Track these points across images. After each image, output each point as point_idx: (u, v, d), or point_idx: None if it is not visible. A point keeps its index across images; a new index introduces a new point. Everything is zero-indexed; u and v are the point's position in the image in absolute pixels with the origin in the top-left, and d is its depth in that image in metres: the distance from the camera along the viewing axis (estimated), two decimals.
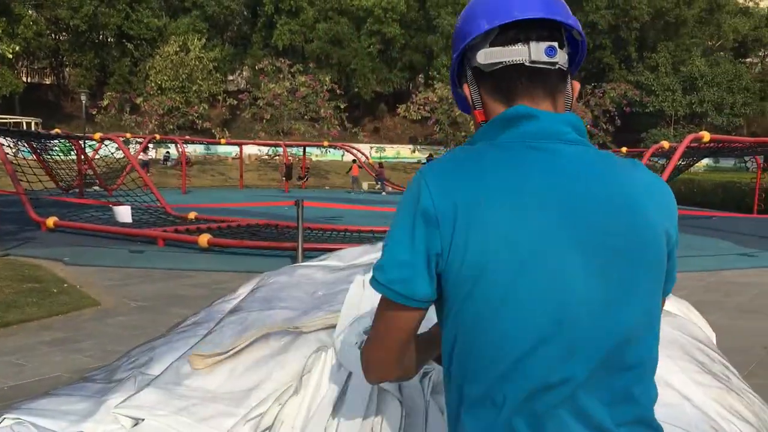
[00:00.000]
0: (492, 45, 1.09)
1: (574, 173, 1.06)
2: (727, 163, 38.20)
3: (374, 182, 32.03)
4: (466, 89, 1.15)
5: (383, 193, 29.70)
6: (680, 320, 2.37)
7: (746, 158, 22.54)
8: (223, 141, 31.65)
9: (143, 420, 1.94)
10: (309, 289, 2.40)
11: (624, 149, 25.45)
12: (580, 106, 37.04)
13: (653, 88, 44.61)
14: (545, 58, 1.08)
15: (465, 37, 1.12)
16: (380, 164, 33.72)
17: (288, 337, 2.08)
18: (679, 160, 13.09)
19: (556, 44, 1.08)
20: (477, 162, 1.05)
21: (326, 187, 33.59)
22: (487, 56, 1.09)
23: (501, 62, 1.08)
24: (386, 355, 1.12)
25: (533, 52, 1.07)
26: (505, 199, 1.01)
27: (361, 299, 1.99)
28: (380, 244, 3.04)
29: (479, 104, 1.14)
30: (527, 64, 1.07)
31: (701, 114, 44.39)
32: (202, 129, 38.96)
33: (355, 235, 12.12)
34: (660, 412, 1.12)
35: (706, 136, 12.93)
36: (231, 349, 2.00)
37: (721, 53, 48.75)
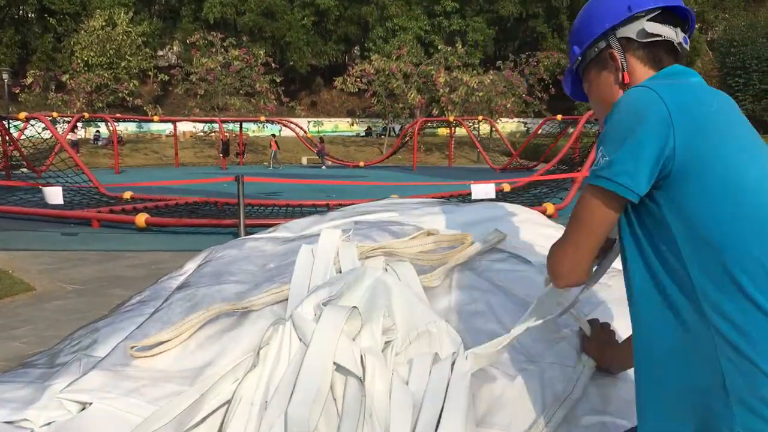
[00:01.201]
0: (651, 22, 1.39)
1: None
2: None
3: (316, 156, 31.74)
4: (615, 55, 1.41)
5: (323, 168, 29.49)
6: None
7: None
8: (155, 118, 30.67)
9: (90, 404, 1.84)
10: (259, 262, 2.32)
11: (559, 116, 25.92)
12: (514, 75, 37.43)
13: None
14: (683, 43, 1.42)
15: (620, 12, 1.41)
16: (321, 139, 33.44)
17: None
18: None
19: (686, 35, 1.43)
20: (675, 87, 1.28)
21: (265, 163, 33.09)
22: (651, 28, 1.38)
23: (659, 36, 1.38)
24: (586, 255, 1.33)
25: (678, 36, 1.40)
26: (704, 108, 1.25)
27: (312, 269, 1.94)
28: (330, 215, 3.00)
29: (625, 67, 1.41)
30: (675, 43, 1.40)
31: None
32: (133, 106, 37.74)
33: (297, 209, 11.98)
34: None
35: None
36: (178, 335, 1.91)
37: None
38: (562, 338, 1.95)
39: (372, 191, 13.92)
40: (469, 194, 9.78)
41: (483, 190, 9.52)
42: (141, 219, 10.16)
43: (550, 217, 11.21)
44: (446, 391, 1.67)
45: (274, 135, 32.32)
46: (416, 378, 1.71)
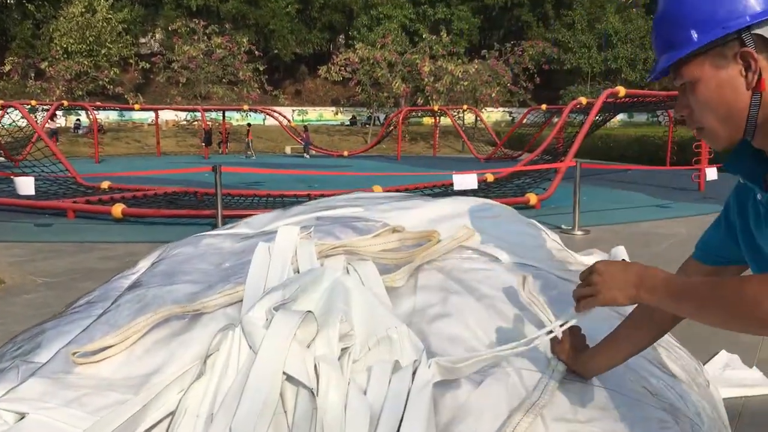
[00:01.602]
0: None
1: None
2: (641, 118, 39.54)
3: (299, 146, 31.48)
4: (753, 55, 1.20)
5: (307, 156, 29.27)
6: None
7: (659, 112, 23.28)
8: (137, 106, 30.21)
9: (28, 414, 1.72)
10: (215, 260, 2.20)
11: (544, 106, 25.87)
12: (500, 64, 37.30)
13: (570, 45, 45.41)
14: None
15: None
16: (305, 128, 33.18)
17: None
18: (596, 116, 13.30)
19: None
20: None
21: (242, 154, 32.81)
22: None
23: None
24: None
25: None
26: None
27: (268, 269, 1.82)
28: (292, 210, 2.88)
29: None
30: None
31: (616, 70, 45.56)
32: (114, 95, 37.27)
33: (278, 199, 11.82)
34: None
35: (621, 91, 13.17)
36: (123, 340, 1.78)
37: (634, 10, 49.94)
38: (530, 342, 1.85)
39: (355, 181, 13.81)
40: (452, 184, 9.68)
41: (465, 180, 9.42)
42: (117, 210, 9.98)
43: (533, 207, 11.18)
44: (406, 401, 1.56)
45: (249, 124, 32.07)
46: (375, 387, 1.60)
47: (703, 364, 3.36)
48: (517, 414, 1.67)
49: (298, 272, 1.95)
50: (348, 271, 1.95)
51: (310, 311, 1.65)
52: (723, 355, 4.22)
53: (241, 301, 1.93)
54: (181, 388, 1.67)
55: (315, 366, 1.57)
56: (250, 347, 1.61)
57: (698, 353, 3.43)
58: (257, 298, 1.79)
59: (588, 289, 1.44)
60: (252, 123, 33.52)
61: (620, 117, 36.35)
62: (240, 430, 1.42)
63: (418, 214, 2.41)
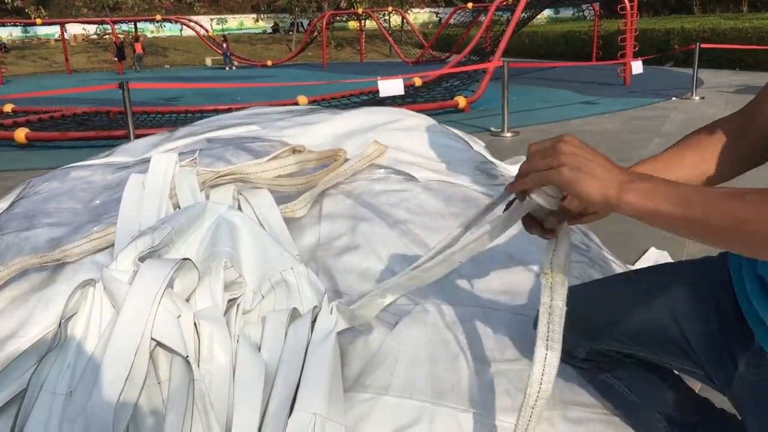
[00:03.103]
0: None
1: None
2: (567, 13, 39.27)
3: (220, 58, 30.00)
4: None
5: (227, 69, 27.99)
6: None
7: (584, 7, 23.04)
8: (38, 21, 27.94)
9: None
10: (85, 197, 1.87)
11: (470, 5, 25.26)
12: None
13: None
14: None
15: None
16: (224, 37, 31.55)
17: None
18: (522, 13, 12.95)
19: None
20: None
21: (166, 66, 31.15)
22: None
23: None
24: None
25: None
26: None
27: (140, 206, 1.52)
28: (180, 131, 2.53)
29: None
30: None
31: None
32: (13, 9, 34.41)
33: (197, 115, 11.20)
34: None
35: None
36: None
37: None
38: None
39: (280, 92, 13.25)
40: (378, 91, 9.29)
41: (391, 86, 9.03)
42: (21, 134, 9.23)
43: (462, 111, 10.94)
44: (305, 356, 1.32)
45: (137, 38, 30.05)
46: (269, 342, 1.36)
47: (634, 263, 3.27)
48: (440, 359, 1.47)
49: (179, 208, 1.65)
50: (239, 204, 1.66)
51: (187, 258, 1.37)
52: (652, 252, 4.17)
53: (113, 245, 1.63)
54: (39, 356, 1.39)
55: (195, 324, 1.31)
56: (114, 307, 1.33)
57: (626, 252, 3.34)
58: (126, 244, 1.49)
59: (546, 161, 0.93)
60: (170, 34, 31.57)
61: (546, 13, 36.04)
62: (98, 410, 1.16)
63: (322, 130, 2.11)
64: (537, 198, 0.95)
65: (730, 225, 0.84)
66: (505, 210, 1.04)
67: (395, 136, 2.06)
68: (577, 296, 1.11)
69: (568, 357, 1.33)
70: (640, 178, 0.91)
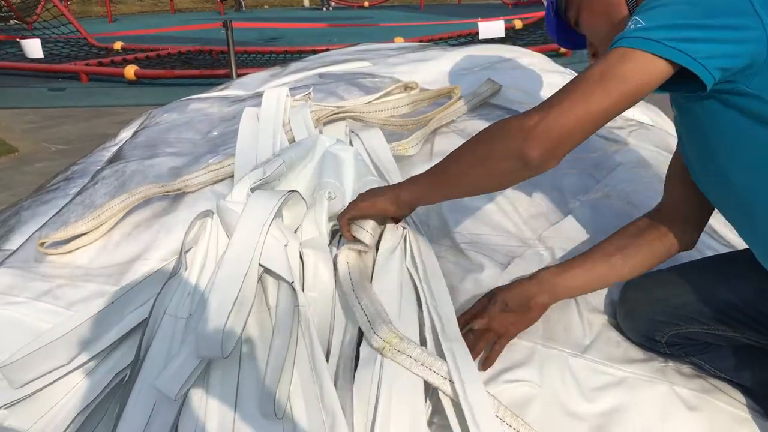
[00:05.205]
0: None
1: None
2: None
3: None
4: None
5: (325, 10, 27.97)
6: (656, 132, 1.99)
7: None
8: None
9: None
10: (202, 128, 1.92)
11: None
12: None
13: None
14: None
15: None
16: None
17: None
18: None
19: None
20: None
21: (265, 6, 31.44)
22: None
23: None
24: (597, 118, 1.01)
25: None
26: None
27: (256, 139, 1.54)
28: (292, 66, 2.54)
29: None
30: None
31: None
32: None
33: (296, 55, 11.29)
34: None
35: None
36: (97, 227, 1.55)
37: None
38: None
39: (377, 33, 13.15)
40: (477, 33, 9.07)
41: (491, 28, 8.80)
42: (130, 71, 9.60)
43: (564, 55, 10.52)
44: (418, 288, 1.33)
45: None
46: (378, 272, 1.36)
47: None
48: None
49: (294, 141, 1.67)
50: (350, 140, 1.66)
51: (294, 190, 1.39)
52: None
53: (232, 176, 1.67)
54: (163, 280, 1.46)
55: (300, 255, 1.33)
56: (228, 237, 1.37)
57: None
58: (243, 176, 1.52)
59: (343, 214, 1.35)
60: None
61: None
62: (204, 336, 1.20)
63: (435, 67, 2.06)
64: (359, 235, 1.30)
65: (477, 164, 1.07)
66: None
67: (510, 74, 1.99)
68: (653, 280, 1.31)
69: (649, 342, 1.32)
70: (407, 182, 1.25)
